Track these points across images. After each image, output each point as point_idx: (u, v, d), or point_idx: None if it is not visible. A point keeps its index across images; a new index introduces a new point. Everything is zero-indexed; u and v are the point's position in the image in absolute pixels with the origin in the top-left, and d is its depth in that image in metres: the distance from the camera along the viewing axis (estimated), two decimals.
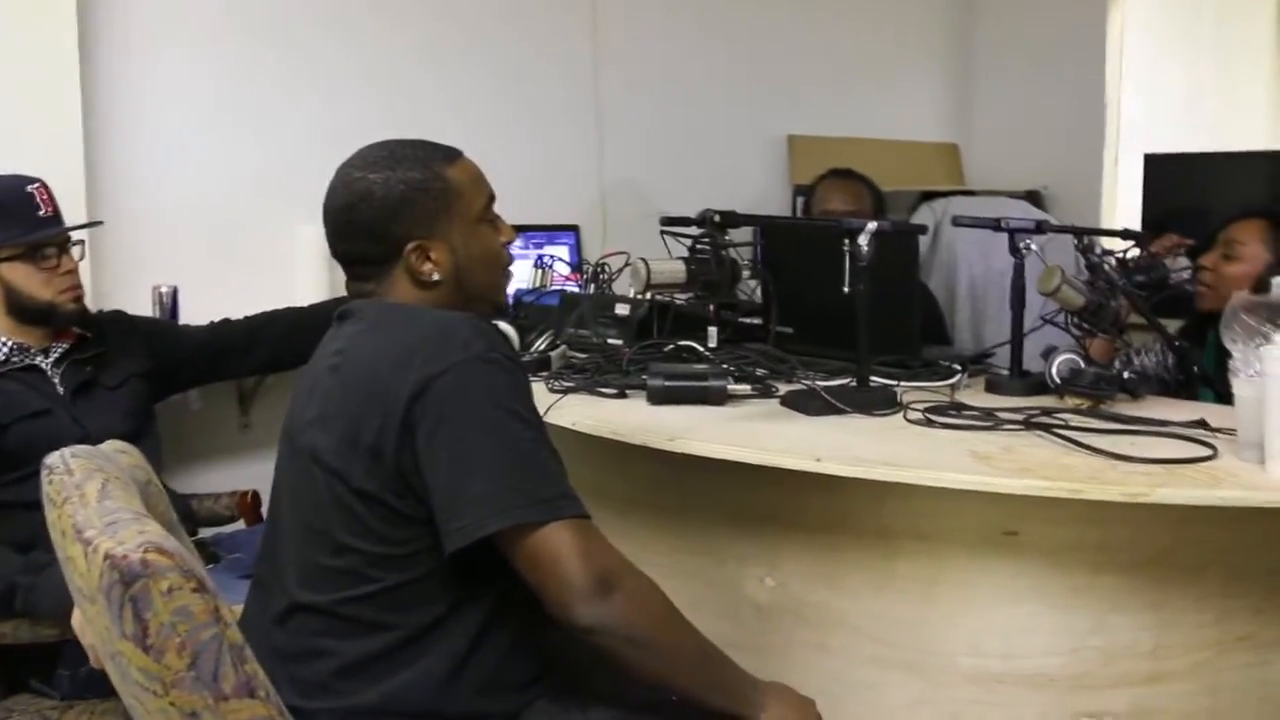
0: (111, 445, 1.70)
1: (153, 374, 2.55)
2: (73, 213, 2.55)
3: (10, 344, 2.33)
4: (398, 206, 1.59)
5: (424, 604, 1.51)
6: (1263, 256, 2.59)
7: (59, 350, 2.39)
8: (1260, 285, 2.47)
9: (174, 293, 2.96)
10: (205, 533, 2.72)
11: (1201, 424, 1.90)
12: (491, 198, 1.69)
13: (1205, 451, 1.75)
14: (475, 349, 1.47)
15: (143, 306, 2.92)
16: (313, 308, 2.83)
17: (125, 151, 3.06)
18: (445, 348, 1.47)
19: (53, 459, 1.50)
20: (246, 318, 2.80)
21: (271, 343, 2.74)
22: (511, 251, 1.76)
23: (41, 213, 2.36)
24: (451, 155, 1.66)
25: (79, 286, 2.41)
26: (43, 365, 2.35)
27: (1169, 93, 4.94)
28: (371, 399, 1.48)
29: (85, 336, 2.44)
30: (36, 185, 2.36)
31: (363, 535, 1.50)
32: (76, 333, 2.42)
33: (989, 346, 2.75)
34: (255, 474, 2.88)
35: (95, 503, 1.38)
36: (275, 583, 1.60)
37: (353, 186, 1.60)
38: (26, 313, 2.33)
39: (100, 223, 2.68)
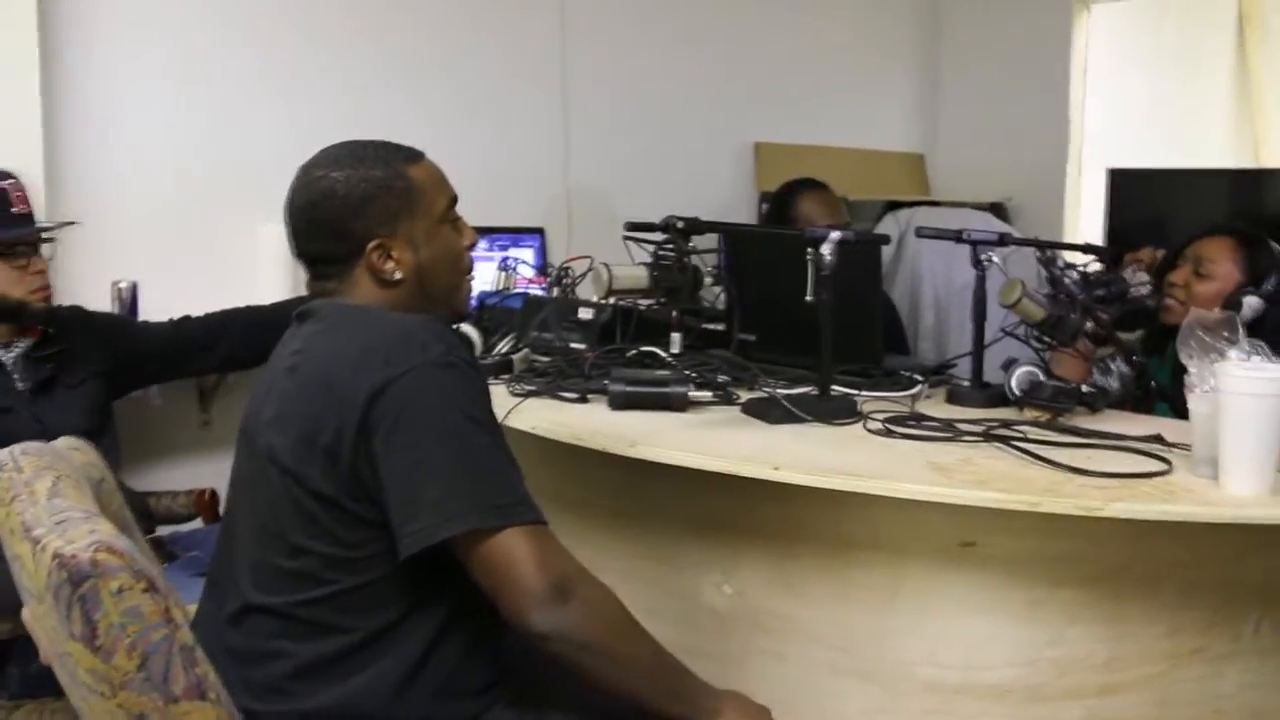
0: (65, 442, 1.68)
1: (112, 371, 2.53)
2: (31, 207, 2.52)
3: None
4: (360, 204, 1.59)
5: (380, 607, 1.51)
6: (1234, 275, 2.61)
7: (20, 347, 2.36)
8: (1231, 303, 2.50)
9: (134, 289, 2.93)
10: (162, 531, 2.70)
11: (1158, 439, 1.91)
12: (453, 199, 1.69)
13: (1160, 466, 1.77)
14: (433, 353, 1.47)
15: (102, 302, 2.89)
16: (274, 306, 2.81)
17: (86, 146, 3.03)
18: (404, 351, 1.47)
19: (2, 456, 1.48)
20: (207, 315, 2.77)
21: (232, 341, 2.72)
22: (475, 255, 1.76)
23: (15, 210, 2.33)
24: (413, 155, 1.66)
25: (48, 286, 2.39)
26: (4, 360, 2.32)
27: (1132, 107, 5.00)
28: (329, 401, 1.47)
29: (47, 333, 2.41)
30: (10, 181, 2.34)
31: (318, 537, 1.49)
32: (39, 329, 2.40)
33: (950, 358, 2.77)
34: (215, 472, 2.85)
35: (45, 500, 1.37)
36: (229, 583, 1.58)
37: (315, 185, 1.60)
38: None
39: (74, 223, 2.64)
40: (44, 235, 2.40)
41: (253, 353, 2.58)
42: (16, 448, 1.50)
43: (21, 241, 2.33)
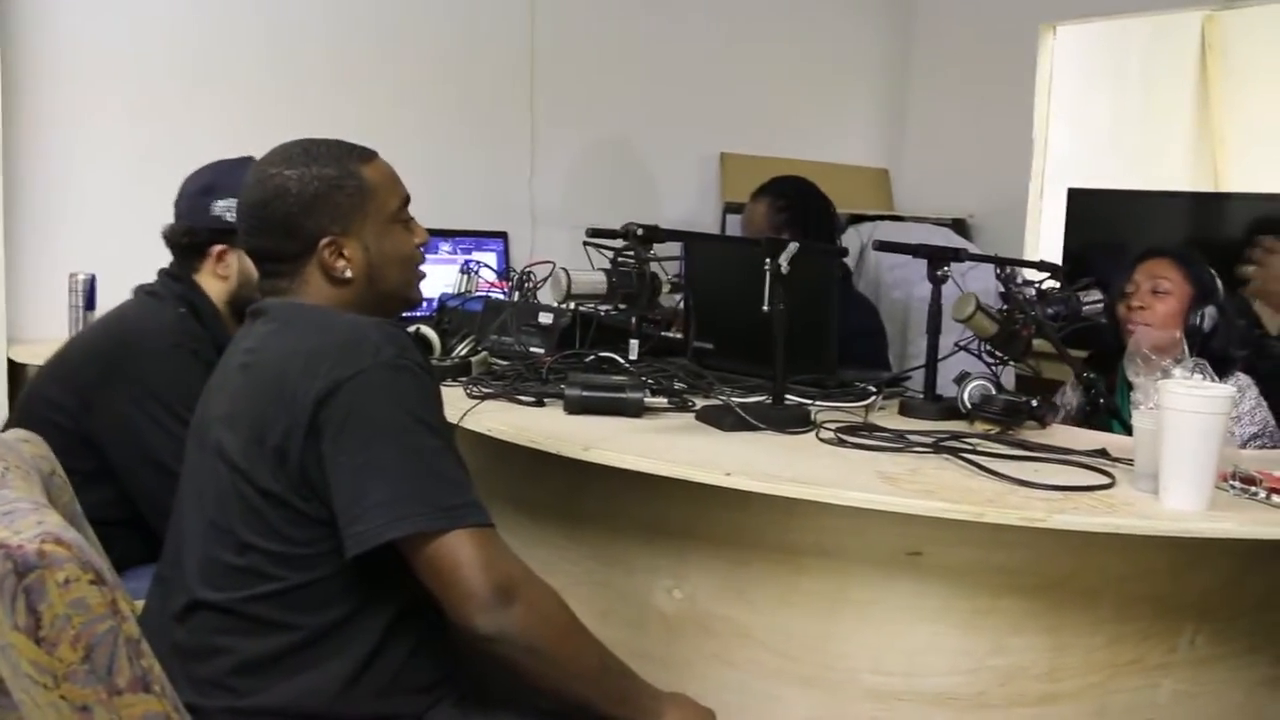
0: (14, 434, 1.68)
1: None
2: None
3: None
4: (312, 202, 1.59)
5: (326, 605, 1.51)
6: (1188, 290, 2.67)
7: None
8: (1193, 317, 2.57)
9: (91, 281, 2.92)
10: None
11: (1103, 454, 1.95)
12: (406, 199, 1.70)
13: (1104, 480, 1.79)
14: (385, 355, 1.48)
15: (59, 294, 2.88)
16: None
17: (42, 137, 3.02)
18: (355, 352, 1.47)
19: None
20: None
21: None
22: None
23: None
24: (366, 155, 1.66)
25: None
26: None
27: (1095, 128, 5.07)
28: (279, 400, 1.48)
29: None
30: None
31: (266, 534, 1.49)
32: None
33: (906, 369, 2.80)
34: None
35: None
36: (177, 579, 1.58)
37: (267, 182, 1.60)
38: (244, 307, 2.24)
39: None
40: None
41: None
42: None
43: None
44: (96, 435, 1.98)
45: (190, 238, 2.22)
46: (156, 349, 2.09)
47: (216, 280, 2.22)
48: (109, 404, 2.06)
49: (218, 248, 2.21)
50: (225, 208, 2.19)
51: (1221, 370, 1.98)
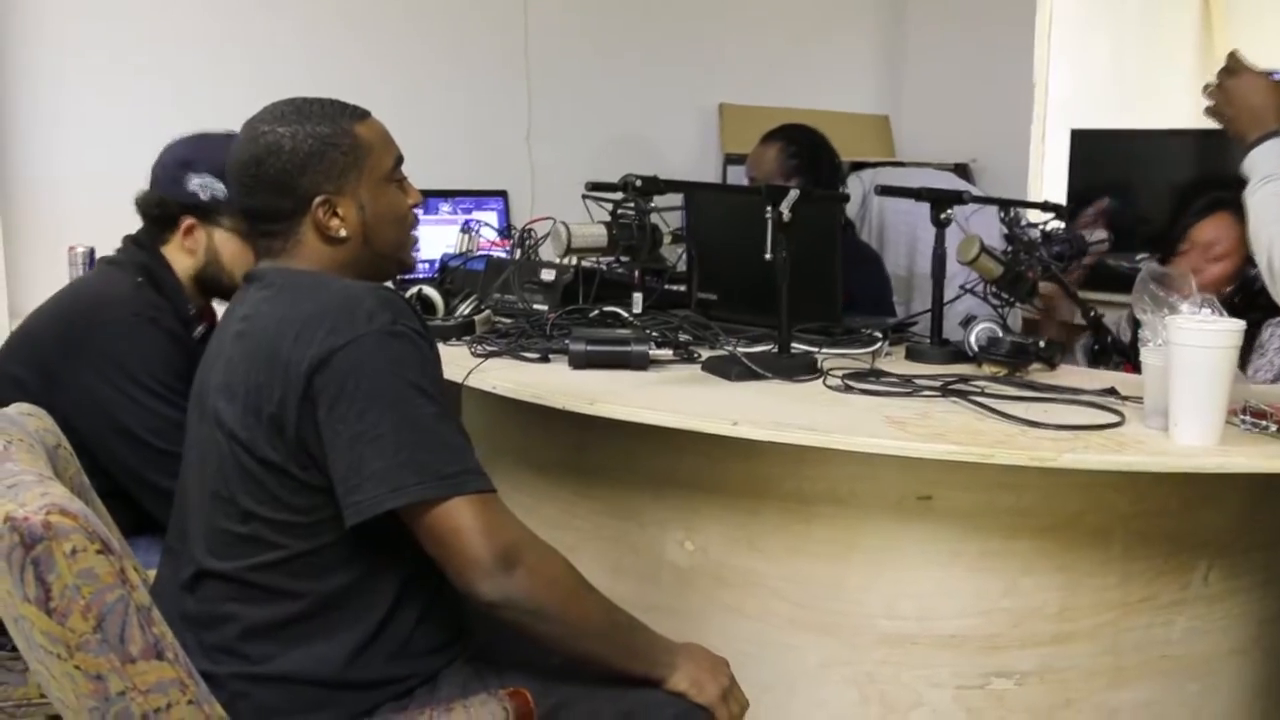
0: (18, 408, 1.67)
1: None
2: None
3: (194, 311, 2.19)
4: (306, 160, 1.57)
5: (331, 572, 1.50)
6: (1241, 248, 2.54)
7: (200, 332, 2.23)
8: (1246, 277, 2.51)
9: (90, 254, 2.90)
10: None
11: (1112, 392, 1.94)
12: (399, 159, 1.68)
13: (1113, 418, 1.78)
14: (380, 321, 1.46)
15: (59, 267, 2.86)
16: None
17: (39, 110, 3.00)
18: (350, 319, 1.45)
19: None
20: None
21: None
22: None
23: None
24: (359, 113, 1.64)
25: None
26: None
27: (1096, 68, 5.01)
28: (274, 370, 1.46)
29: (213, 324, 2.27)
30: None
31: (268, 503, 1.48)
32: (213, 316, 2.27)
33: (912, 314, 2.79)
34: None
35: None
36: (184, 550, 1.58)
37: (260, 140, 1.58)
38: (211, 285, 2.19)
39: None
40: None
41: None
42: None
43: None
44: (63, 409, 1.93)
45: (161, 208, 2.18)
46: (116, 318, 2.06)
47: (184, 254, 2.18)
48: (73, 377, 2.02)
49: (187, 221, 2.16)
50: (200, 184, 2.14)
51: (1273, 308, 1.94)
